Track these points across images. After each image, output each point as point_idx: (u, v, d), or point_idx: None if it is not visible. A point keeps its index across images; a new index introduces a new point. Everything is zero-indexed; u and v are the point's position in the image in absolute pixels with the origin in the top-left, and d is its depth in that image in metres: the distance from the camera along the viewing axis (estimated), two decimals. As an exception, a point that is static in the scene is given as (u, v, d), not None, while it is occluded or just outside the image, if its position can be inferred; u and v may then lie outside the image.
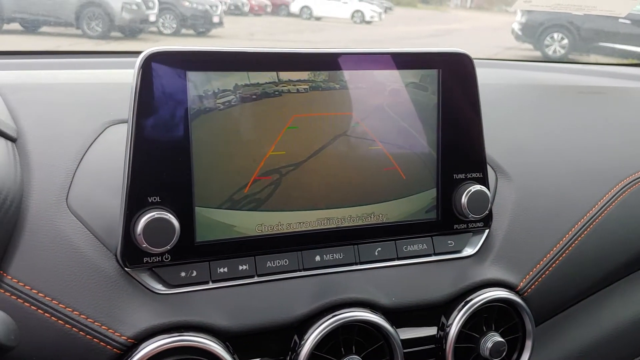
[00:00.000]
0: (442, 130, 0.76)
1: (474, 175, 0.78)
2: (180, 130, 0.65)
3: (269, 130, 0.69)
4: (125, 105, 0.78)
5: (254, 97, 0.69)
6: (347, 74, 0.72)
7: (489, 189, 0.78)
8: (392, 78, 0.74)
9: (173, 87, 0.65)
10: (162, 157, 0.65)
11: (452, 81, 0.76)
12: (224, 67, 0.67)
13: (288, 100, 0.70)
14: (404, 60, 0.74)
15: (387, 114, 0.74)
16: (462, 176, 0.77)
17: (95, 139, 0.75)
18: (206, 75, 0.66)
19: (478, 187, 0.76)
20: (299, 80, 0.70)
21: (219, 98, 0.67)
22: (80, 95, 0.82)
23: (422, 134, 0.76)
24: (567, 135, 0.97)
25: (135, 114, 0.64)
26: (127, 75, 0.90)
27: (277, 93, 0.69)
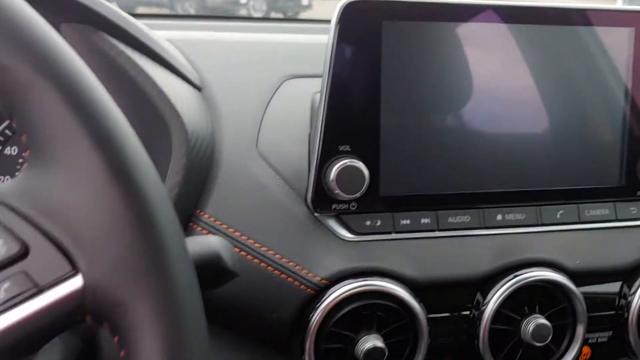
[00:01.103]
0: (633, 93, 0.72)
1: None
2: (372, 81, 0.65)
3: None
4: (297, 63, 0.80)
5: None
6: (535, 29, 0.70)
7: None
8: (583, 36, 0.71)
9: (368, 37, 0.65)
10: (355, 106, 0.65)
11: (646, 40, 0.72)
12: (418, 17, 0.66)
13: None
14: (596, 17, 0.71)
15: (574, 75, 0.71)
16: None
17: (274, 92, 0.77)
18: (400, 26, 0.66)
19: None
20: None
21: (410, 49, 0.67)
22: (253, 52, 0.83)
23: (608, 97, 0.72)
24: None
25: (332, 64, 0.64)
26: (293, 38, 0.92)
27: None
